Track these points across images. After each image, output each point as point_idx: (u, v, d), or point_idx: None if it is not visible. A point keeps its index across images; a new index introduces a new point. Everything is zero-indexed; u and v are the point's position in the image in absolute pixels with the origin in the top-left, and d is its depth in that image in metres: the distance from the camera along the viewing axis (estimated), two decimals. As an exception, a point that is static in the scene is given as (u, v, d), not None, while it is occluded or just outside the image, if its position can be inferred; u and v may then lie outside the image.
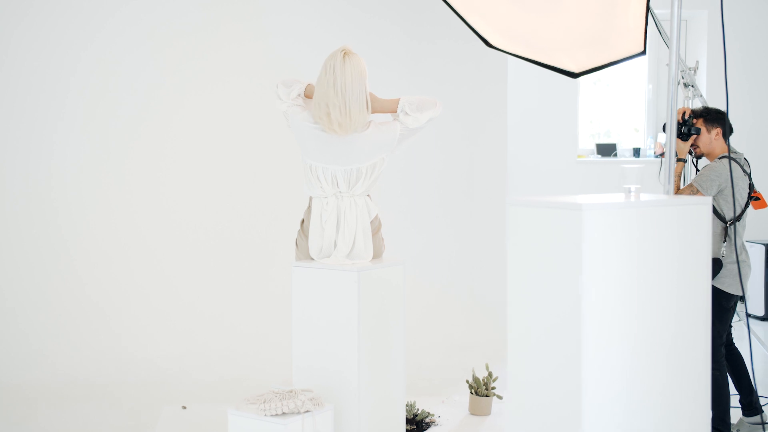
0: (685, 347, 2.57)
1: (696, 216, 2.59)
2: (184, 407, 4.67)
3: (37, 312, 5.32)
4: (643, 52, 4.42)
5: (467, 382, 4.69)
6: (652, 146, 8.45)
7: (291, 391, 3.36)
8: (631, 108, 8.71)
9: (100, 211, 5.50)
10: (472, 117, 6.06)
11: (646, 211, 2.47)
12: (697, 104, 5.08)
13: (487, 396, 4.63)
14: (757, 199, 4.71)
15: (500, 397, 4.67)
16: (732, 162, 3.99)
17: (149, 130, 5.58)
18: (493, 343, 5.48)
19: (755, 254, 7.17)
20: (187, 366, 5.18)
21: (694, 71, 4.99)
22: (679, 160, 4.22)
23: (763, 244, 7.31)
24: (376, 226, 3.87)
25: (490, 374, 4.66)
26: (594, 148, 8.45)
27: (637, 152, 8.40)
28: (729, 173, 3.91)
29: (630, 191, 2.68)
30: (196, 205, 5.62)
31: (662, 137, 8.41)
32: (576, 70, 4.80)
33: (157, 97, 5.57)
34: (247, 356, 5.23)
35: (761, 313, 7.16)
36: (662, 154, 8.17)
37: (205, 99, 5.61)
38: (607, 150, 8.39)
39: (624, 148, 8.47)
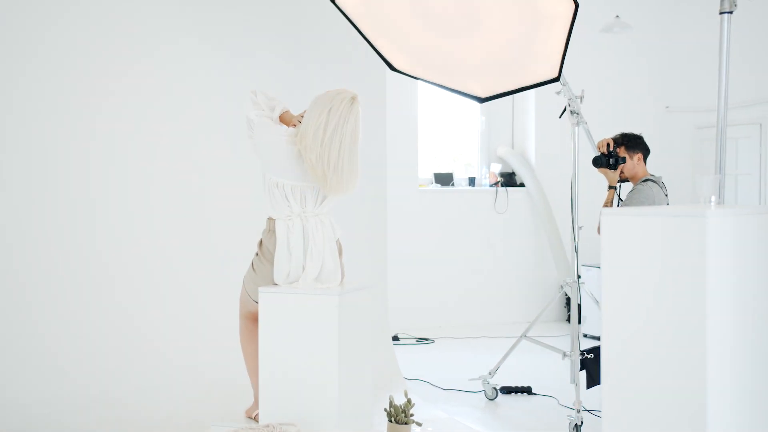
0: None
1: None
2: None
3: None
4: (557, 79, 4.57)
5: (385, 410, 4.54)
6: (487, 176, 8.76)
7: (267, 426, 3.09)
8: (465, 139, 9.01)
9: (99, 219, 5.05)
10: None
11: (753, 218, 2.49)
12: (582, 132, 5.32)
13: (406, 424, 4.51)
14: None
15: (419, 424, 4.58)
16: (655, 185, 4.28)
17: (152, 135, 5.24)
18: (386, 364, 5.39)
19: (592, 277, 7.59)
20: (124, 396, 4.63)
21: (581, 99, 5.22)
22: (610, 187, 4.43)
23: (599, 268, 7.76)
24: (339, 247, 3.68)
25: (409, 401, 4.55)
26: (432, 177, 8.63)
27: (472, 181, 8.68)
28: (655, 196, 4.19)
29: (710, 202, 2.71)
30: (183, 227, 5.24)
31: (495, 167, 8.78)
32: (483, 95, 4.87)
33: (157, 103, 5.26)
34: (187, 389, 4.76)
35: (598, 333, 7.57)
36: (496, 183, 8.56)
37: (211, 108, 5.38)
38: (444, 179, 8.60)
39: (460, 177, 8.72)
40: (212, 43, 5.44)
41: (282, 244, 3.52)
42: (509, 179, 8.76)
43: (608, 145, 4.38)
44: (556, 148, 8.78)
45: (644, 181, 4.32)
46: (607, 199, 4.37)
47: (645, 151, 4.40)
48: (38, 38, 4.86)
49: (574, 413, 4.74)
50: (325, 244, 3.55)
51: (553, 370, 6.51)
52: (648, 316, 2.41)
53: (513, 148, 9.04)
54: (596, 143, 4.44)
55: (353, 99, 3.60)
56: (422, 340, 7.67)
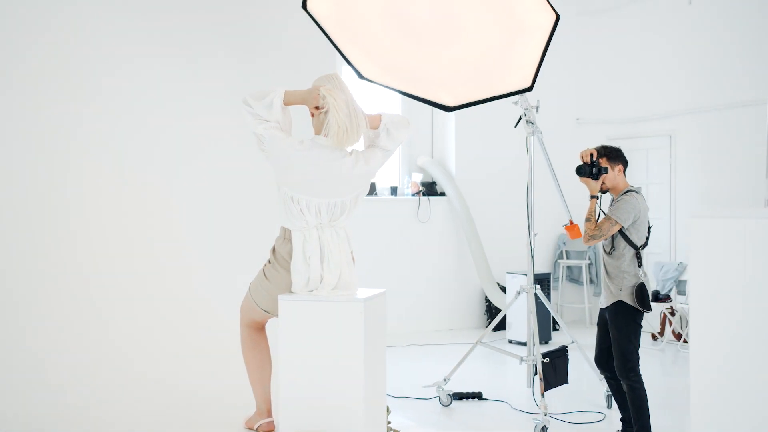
0: None
1: None
2: None
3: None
4: (530, 88, 4.67)
5: (364, 418, 4.52)
6: (409, 185, 8.82)
7: (298, 438, 3.01)
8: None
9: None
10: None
11: None
12: (536, 142, 5.46)
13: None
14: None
15: (397, 432, 4.58)
16: (639, 195, 4.43)
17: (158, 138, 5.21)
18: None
19: (517, 286, 7.74)
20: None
21: (536, 110, 5.36)
22: (592, 197, 4.52)
23: (525, 275, 7.94)
24: (352, 258, 3.63)
25: (387, 408, 4.53)
26: (355, 186, 8.61)
27: (394, 191, 8.73)
28: (640, 206, 4.34)
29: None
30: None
31: (417, 177, 8.85)
32: (452, 104, 4.90)
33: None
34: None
35: (524, 339, 7.74)
36: (418, 192, 8.63)
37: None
38: (367, 188, 8.59)
39: (383, 186, 8.74)
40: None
41: (298, 252, 3.45)
42: (430, 188, 8.86)
43: (591, 155, 4.49)
44: (475, 158, 8.95)
45: (628, 191, 4.44)
46: (590, 209, 4.46)
47: (625, 163, 4.53)
48: (35, 40, 4.77)
49: (540, 416, 4.84)
50: (342, 254, 3.50)
51: (496, 375, 6.63)
52: (742, 317, 2.48)
53: (432, 157, 9.14)
54: (579, 153, 4.54)
55: (329, 74, 3.75)
56: (353, 349, 7.62)
